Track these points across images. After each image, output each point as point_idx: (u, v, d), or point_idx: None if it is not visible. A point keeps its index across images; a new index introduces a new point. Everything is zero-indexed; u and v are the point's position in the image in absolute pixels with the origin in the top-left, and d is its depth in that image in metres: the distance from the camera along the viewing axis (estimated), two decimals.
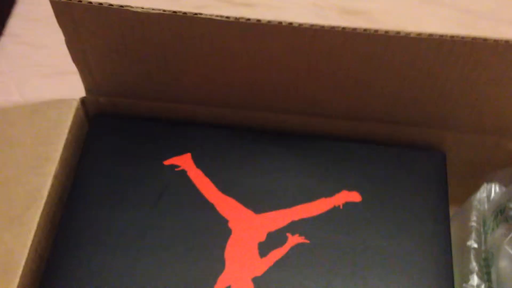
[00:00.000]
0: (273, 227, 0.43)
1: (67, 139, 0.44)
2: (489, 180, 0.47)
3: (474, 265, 0.43)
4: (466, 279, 0.43)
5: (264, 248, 0.42)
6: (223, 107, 0.47)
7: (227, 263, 0.42)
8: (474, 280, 0.43)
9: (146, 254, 0.42)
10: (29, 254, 0.38)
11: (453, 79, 0.42)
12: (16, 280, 0.37)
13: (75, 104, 0.46)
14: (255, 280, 0.41)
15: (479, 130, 0.47)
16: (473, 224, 0.45)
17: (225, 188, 0.45)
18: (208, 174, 0.45)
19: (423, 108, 0.46)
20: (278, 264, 0.42)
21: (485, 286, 0.42)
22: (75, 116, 0.46)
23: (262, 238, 0.43)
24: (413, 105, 0.46)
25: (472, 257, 0.44)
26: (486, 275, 0.43)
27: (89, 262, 0.41)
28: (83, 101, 0.47)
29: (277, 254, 0.42)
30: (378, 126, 0.48)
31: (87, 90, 0.47)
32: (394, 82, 0.43)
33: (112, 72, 0.45)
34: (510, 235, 0.41)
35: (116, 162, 0.46)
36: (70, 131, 0.45)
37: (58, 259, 0.41)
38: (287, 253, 0.42)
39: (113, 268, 0.41)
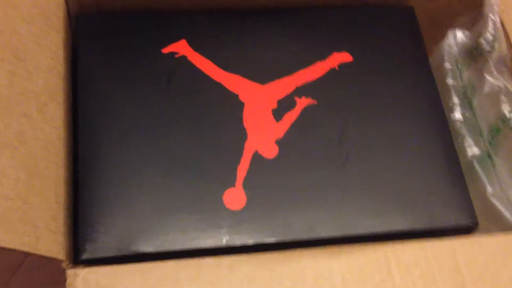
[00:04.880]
0: (281, 94, 0.46)
1: (63, 39, 0.43)
2: (454, 27, 0.52)
3: (455, 99, 0.49)
4: (450, 110, 0.49)
5: (278, 114, 0.45)
6: None
7: (248, 131, 0.44)
8: (458, 110, 0.49)
9: (169, 133, 0.43)
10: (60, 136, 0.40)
11: None
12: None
13: (61, 2, 0.45)
14: (278, 142, 0.44)
15: None
16: (447, 65, 0.51)
17: (226, 66, 0.47)
18: (207, 56, 0.47)
19: None
20: (295, 125, 0.45)
21: (468, 114, 0.48)
22: (63, 16, 0.45)
23: (274, 105, 0.46)
24: None
25: (452, 93, 0.49)
26: (467, 104, 0.49)
27: (114, 150, 0.42)
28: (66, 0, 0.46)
29: (291, 116, 0.45)
30: None
31: None
32: None
33: None
34: (487, 65, 0.47)
35: (115, 57, 0.46)
36: (63, 30, 0.44)
37: (85, 152, 0.42)
38: (300, 115, 0.45)
39: (140, 151, 0.42)
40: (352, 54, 0.48)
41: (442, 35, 0.52)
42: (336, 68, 0.48)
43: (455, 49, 0.51)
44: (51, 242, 0.36)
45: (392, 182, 0.43)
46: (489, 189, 0.45)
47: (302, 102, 0.46)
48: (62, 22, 0.45)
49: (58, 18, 0.44)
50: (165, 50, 0.47)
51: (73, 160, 0.42)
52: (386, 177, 0.43)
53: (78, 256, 0.38)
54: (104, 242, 0.39)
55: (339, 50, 0.49)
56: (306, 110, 0.46)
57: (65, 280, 0.37)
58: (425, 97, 0.47)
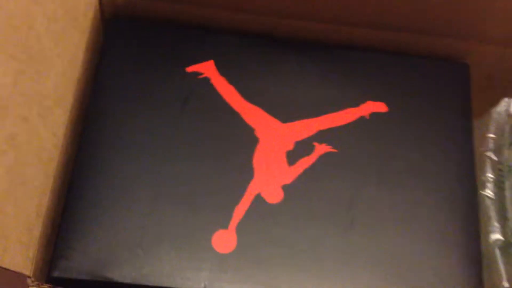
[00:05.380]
0: (300, 136, 0.43)
1: (88, 41, 0.42)
2: (509, 95, 0.47)
3: (490, 174, 0.45)
4: (482, 186, 0.44)
5: (293, 157, 0.42)
6: (246, 13, 0.46)
7: (256, 170, 0.42)
8: (490, 188, 0.44)
9: (172, 159, 0.41)
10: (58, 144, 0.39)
11: None
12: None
13: (93, 3, 0.43)
14: (284, 187, 0.41)
15: (502, 42, 0.47)
16: (492, 135, 0.46)
17: (249, 96, 0.44)
18: (231, 82, 0.44)
19: (448, 17, 0.45)
20: (307, 172, 0.42)
21: (500, 194, 0.44)
22: (94, 17, 0.43)
23: (290, 147, 0.43)
24: (437, 14, 0.45)
25: (488, 167, 0.45)
26: (501, 183, 0.44)
27: (112, 167, 0.41)
28: (100, 1, 0.44)
29: (305, 162, 0.42)
30: (402, 36, 0.47)
31: None
32: None
33: None
34: None
35: (137, 67, 0.44)
36: (90, 32, 0.43)
37: (82, 164, 0.41)
38: (316, 161, 0.42)
39: (138, 173, 0.40)
40: (388, 106, 0.45)
41: (496, 100, 0.48)
42: (367, 117, 0.44)
43: (504, 119, 0.47)
44: (19, 256, 0.35)
45: (397, 258, 0.39)
46: (505, 283, 0.41)
47: (321, 149, 0.43)
48: (89, 23, 0.43)
49: (86, 18, 0.43)
50: (190, 69, 0.44)
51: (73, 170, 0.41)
52: (392, 252, 0.40)
53: (50, 272, 0.37)
54: (78, 263, 0.37)
55: (375, 99, 0.45)
56: (323, 158, 0.43)
57: None
58: (457, 168, 0.43)
